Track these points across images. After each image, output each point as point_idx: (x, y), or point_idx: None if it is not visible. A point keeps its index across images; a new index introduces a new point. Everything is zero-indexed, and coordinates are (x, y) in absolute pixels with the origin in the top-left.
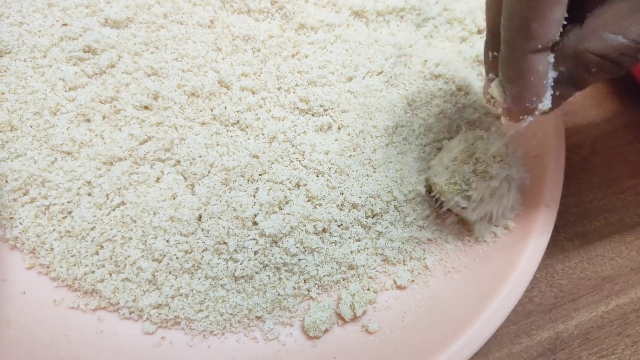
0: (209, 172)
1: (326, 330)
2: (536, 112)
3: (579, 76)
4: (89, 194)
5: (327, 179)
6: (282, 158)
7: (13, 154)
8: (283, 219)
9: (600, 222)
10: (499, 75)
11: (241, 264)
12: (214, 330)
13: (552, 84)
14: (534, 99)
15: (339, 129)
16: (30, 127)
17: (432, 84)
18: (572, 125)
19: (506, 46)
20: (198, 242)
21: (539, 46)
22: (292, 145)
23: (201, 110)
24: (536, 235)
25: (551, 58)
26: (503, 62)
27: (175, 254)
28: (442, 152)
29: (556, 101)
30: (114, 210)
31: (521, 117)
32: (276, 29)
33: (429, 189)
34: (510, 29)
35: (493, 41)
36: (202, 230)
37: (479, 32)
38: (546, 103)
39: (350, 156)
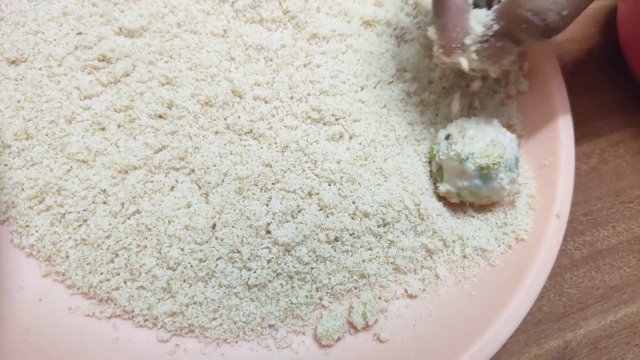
0: (222, 180)
1: (338, 339)
2: (464, 47)
3: (513, 30)
4: (105, 202)
5: (339, 188)
6: (294, 167)
7: (29, 162)
8: (296, 228)
9: (609, 231)
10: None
11: (254, 272)
12: (227, 338)
13: (493, 34)
14: (458, 29)
15: (350, 138)
16: (46, 135)
17: (444, 93)
18: (581, 135)
19: None
20: (212, 251)
21: None
22: (305, 154)
23: (215, 120)
24: (547, 246)
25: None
26: (432, 2)
27: (189, 262)
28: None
29: (497, 51)
30: (129, 218)
31: (452, 47)
32: (288, 38)
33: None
34: None
35: None
36: (216, 238)
37: None
38: (478, 47)
39: (361, 165)
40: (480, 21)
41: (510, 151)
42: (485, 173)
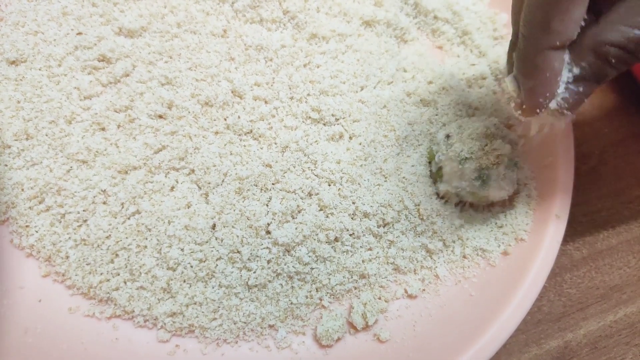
0: (222, 181)
1: (338, 339)
2: (550, 109)
3: (599, 69)
4: (104, 203)
5: (339, 188)
6: (294, 167)
7: (29, 162)
8: (296, 228)
9: (608, 231)
10: (514, 70)
11: (254, 272)
12: (227, 338)
13: (573, 80)
14: (547, 94)
15: (350, 138)
16: (46, 135)
17: (444, 94)
18: (581, 135)
19: (524, 41)
20: (212, 251)
21: (557, 43)
22: (305, 155)
23: (215, 120)
24: (546, 246)
25: (567, 57)
26: (520, 57)
27: (189, 263)
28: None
29: (579, 97)
30: (129, 218)
31: (535, 111)
32: (288, 38)
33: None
34: (530, 24)
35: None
36: (216, 239)
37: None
38: (559, 101)
39: (361, 165)
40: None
41: (510, 151)
42: (484, 173)
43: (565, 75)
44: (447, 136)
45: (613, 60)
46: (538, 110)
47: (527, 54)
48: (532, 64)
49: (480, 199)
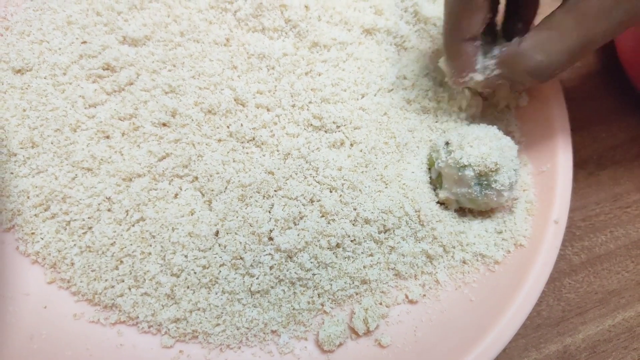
0: (225, 188)
1: (340, 344)
2: (471, 79)
3: (513, 78)
4: (109, 210)
5: (340, 195)
6: (296, 174)
7: (34, 170)
8: (298, 235)
9: (607, 236)
10: (444, 52)
11: (257, 278)
12: (230, 344)
13: (496, 73)
14: (467, 70)
15: (351, 145)
16: (51, 143)
17: (444, 101)
18: (579, 140)
19: (445, 35)
20: (215, 258)
21: (467, 37)
22: (306, 162)
23: (218, 128)
24: (545, 251)
25: (477, 44)
26: (444, 46)
27: (193, 269)
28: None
29: (498, 86)
30: (133, 225)
31: (460, 83)
32: (290, 47)
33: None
34: (447, 24)
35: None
36: (220, 245)
37: None
38: (478, 75)
39: (362, 172)
40: (484, 67)
41: (508, 158)
42: (483, 180)
43: (487, 67)
44: (447, 143)
45: (522, 78)
46: (462, 81)
47: (447, 44)
48: (451, 51)
49: (480, 205)
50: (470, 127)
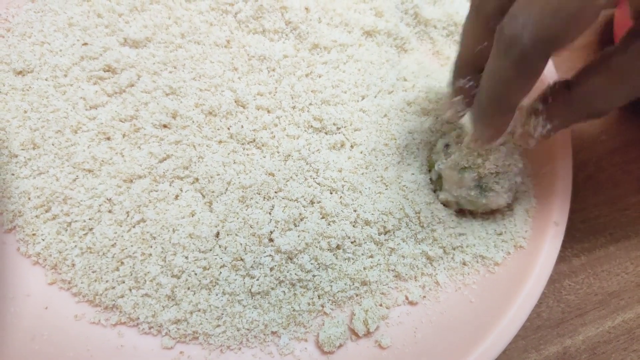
0: (226, 189)
1: (340, 346)
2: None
3: (562, 126)
4: (110, 211)
5: (341, 196)
6: (296, 176)
7: (35, 171)
8: (298, 236)
9: (606, 238)
10: (475, 117)
11: (257, 280)
12: (231, 345)
13: (548, 127)
14: (498, 137)
15: (351, 147)
16: (52, 145)
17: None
18: (578, 143)
19: (487, 105)
20: (216, 259)
21: (511, 110)
22: (307, 163)
23: (218, 129)
24: (545, 253)
25: (516, 112)
26: (481, 116)
27: (193, 270)
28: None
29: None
30: (134, 227)
31: (485, 147)
32: (290, 49)
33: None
34: (491, 99)
35: (463, 68)
36: (220, 246)
37: None
38: (532, 142)
39: (362, 174)
40: (535, 128)
41: (509, 160)
42: (483, 182)
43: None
44: (447, 145)
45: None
46: (488, 146)
47: (488, 115)
48: (492, 122)
49: (480, 207)
50: (470, 129)
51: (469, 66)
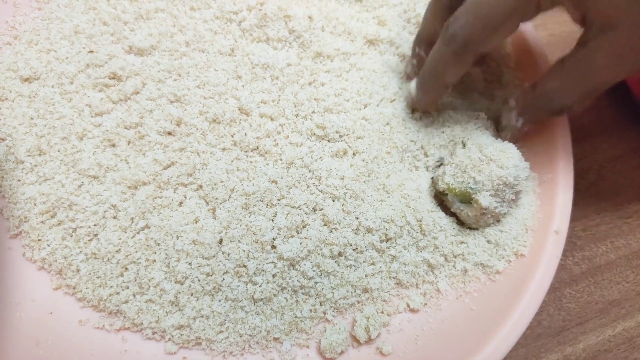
0: (229, 196)
1: (342, 352)
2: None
3: (534, 121)
4: (115, 217)
5: (343, 204)
6: (299, 183)
7: (41, 177)
8: (300, 243)
9: (607, 246)
10: (418, 85)
11: (260, 286)
12: (233, 351)
13: (521, 121)
14: (434, 102)
15: (354, 154)
16: (58, 151)
17: (445, 110)
18: (579, 151)
19: (427, 77)
20: (219, 265)
21: (445, 86)
22: (309, 171)
23: (222, 137)
24: (546, 261)
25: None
26: (422, 84)
27: (197, 277)
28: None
29: (522, 134)
30: (138, 233)
31: (425, 111)
32: (294, 57)
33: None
34: (431, 73)
35: (421, 40)
36: (223, 253)
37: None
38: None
39: (365, 181)
40: (507, 123)
41: (489, 180)
42: (462, 200)
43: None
44: (440, 164)
45: (544, 118)
46: (428, 108)
47: (427, 87)
48: (430, 93)
49: (470, 224)
50: (458, 150)
51: (425, 40)
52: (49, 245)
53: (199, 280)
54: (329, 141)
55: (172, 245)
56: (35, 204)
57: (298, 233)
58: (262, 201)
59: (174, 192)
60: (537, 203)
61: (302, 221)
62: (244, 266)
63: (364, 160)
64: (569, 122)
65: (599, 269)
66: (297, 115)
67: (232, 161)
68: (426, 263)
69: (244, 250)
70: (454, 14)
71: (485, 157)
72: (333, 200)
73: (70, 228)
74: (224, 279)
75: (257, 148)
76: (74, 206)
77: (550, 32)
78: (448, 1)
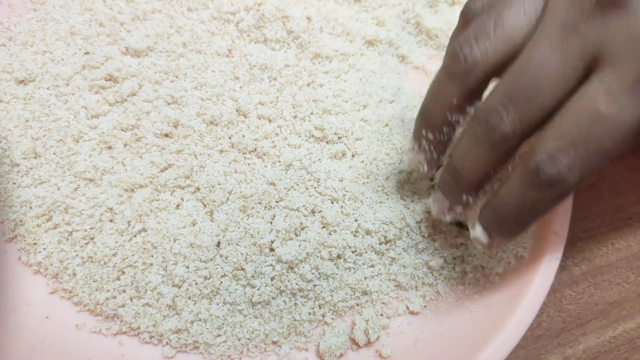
0: (227, 199)
1: (341, 355)
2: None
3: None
4: (111, 221)
5: (342, 206)
6: (298, 185)
7: (37, 180)
8: (299, 246)
9: (608, 247)
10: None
11: (258, 289)
12: (231, 354)
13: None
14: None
15: (353, 156)
16: (54, 154)
17: None
18: None
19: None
20: (217, 268)
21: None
22: (308, 173)
23: (220, 138)
24: (546, 262)
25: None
26: (445, 191)
27: (194, 280)
28: None
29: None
30: (135, 236)
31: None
32: (292, 58)
33: None
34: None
35: (429, 126)
36: (221, 256)
37: None
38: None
39: (364, 183)
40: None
41: None
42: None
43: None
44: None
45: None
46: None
47: (452, 195)
48: (454, 199)
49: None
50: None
51: (437, 126)
52: (44, 249)
53: (196, 283)
54: (327, 143)
55: (169, 249)
56: (30, 207)
57: (297, 235)
58: (260, 203)
59: (171, 194)
60: None
61: (301, 223)
62: (242, 269)
63: (362, 162)
64: None
65: (599, 270)
66: (295, 117)
67: (229, 163)
68: (426, 265)
69: (242, 253)
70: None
71: None
72: (332, 203)
73: (66, 231)
74: (221, 282)
75: (255, 150)
76: (70, 209)
77: None
78: (475, 83)
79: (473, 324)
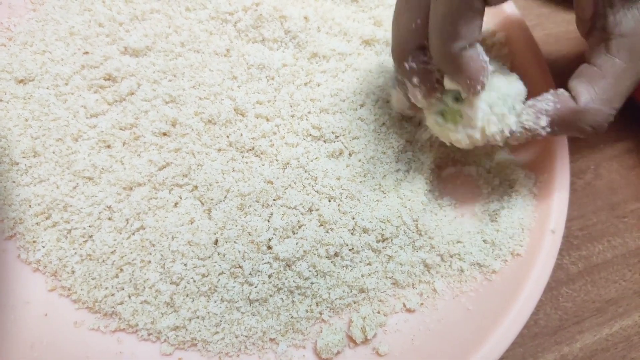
0: (225, 197)
1: (338, 353)
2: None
3: (565, 133)
4: (110, 219)
5: (339, 204)
6: (295, 184)
7: (36, 179)
8: (296, 243)
9: (604, 245)
10: (445, 74)
11: (256, 287)
12: (229, 352)
13: (547, 131)
14: (482, 77)
15: (350, 155)
16: (53, 153)
17: None
18: (576, 150)
19: (439, 50)
20: (214, 266)
21: (467, 45)
22: (305, 171)
23: (218, 137)
24: (542, 260)
25: (479, 48)
26: (442, 62)
27: (192, 277)
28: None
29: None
30: (133, 234)
31: (479, 88)
32: (290, 57)
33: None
34: (442, 34)
35: (403, 51)
36: (219, 254)
37: None
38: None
39: (361, 182)
40: (518, 116)
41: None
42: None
43: (523, 120)
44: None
45: (578, 133)
46: (479, 88)
47: (448, 59)
48: (458, 65)
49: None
50: None
51: (408, 47)
52: (43, 247)
53: (194, 281)
54: (325, 141)
55: (167, 246)
56: (30, 206)
57: (294, 233)
58: (257, 202)
59: (169, 193)
60: (534, 202)
61: (298, 222)
62: (240, 267)
63: (360, 161)
64: None
65: (595, 267)
66: (293, 116)
67: (227, 162)
68: (422, 263)
69: (239, 251)
70: None
71: None
72: (329, 201)
73: (65, 229)
74: (219, 279)
75: (253, 149)
76: (69, 207)
77: (547, 32)
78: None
79: (470, 322)
